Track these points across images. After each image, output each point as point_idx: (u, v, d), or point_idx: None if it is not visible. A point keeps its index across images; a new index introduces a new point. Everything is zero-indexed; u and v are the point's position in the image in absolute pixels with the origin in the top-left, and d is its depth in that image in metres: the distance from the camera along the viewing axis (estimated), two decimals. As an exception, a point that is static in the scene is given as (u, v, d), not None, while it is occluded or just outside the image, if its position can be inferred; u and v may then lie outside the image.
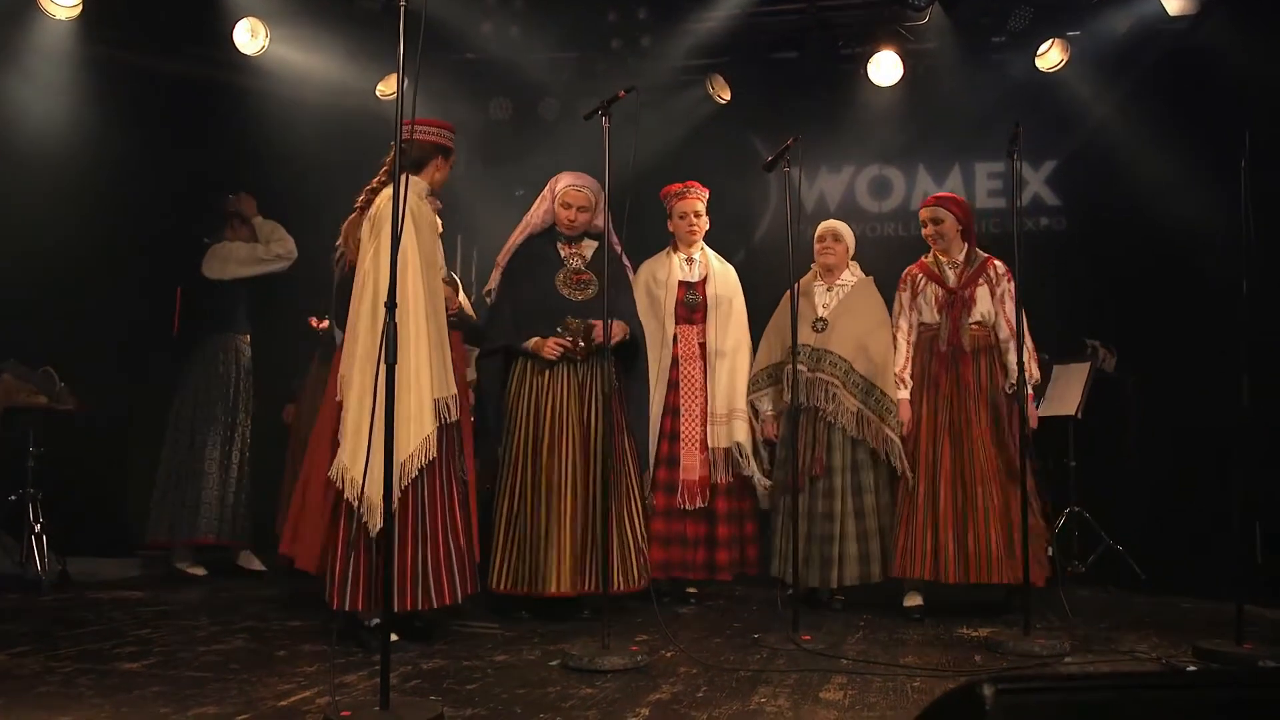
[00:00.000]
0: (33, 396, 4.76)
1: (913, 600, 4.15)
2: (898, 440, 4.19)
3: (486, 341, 4.16)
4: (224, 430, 5.08)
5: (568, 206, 4.07)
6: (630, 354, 4.14)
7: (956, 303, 4.19)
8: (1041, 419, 5.14)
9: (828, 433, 4.24)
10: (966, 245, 4.28)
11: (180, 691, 2.76)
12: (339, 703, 2.60)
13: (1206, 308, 4.81)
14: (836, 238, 4.42)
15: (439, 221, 4.05)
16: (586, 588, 3.86)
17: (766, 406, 4.42)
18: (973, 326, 4.17)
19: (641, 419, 4.21)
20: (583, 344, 3.94)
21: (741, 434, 4.41)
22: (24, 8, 4.99)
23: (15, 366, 4.79)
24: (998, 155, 5.68)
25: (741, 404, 4.44)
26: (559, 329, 3.96)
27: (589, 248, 4.16)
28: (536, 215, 4.15)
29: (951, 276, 4.25)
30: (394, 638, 3.20)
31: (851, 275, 4.47)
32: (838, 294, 4.40)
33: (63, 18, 5.01)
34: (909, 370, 4.26)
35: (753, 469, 4.40)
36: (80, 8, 5.00)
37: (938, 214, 4.28)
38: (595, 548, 3.80)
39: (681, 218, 4.52)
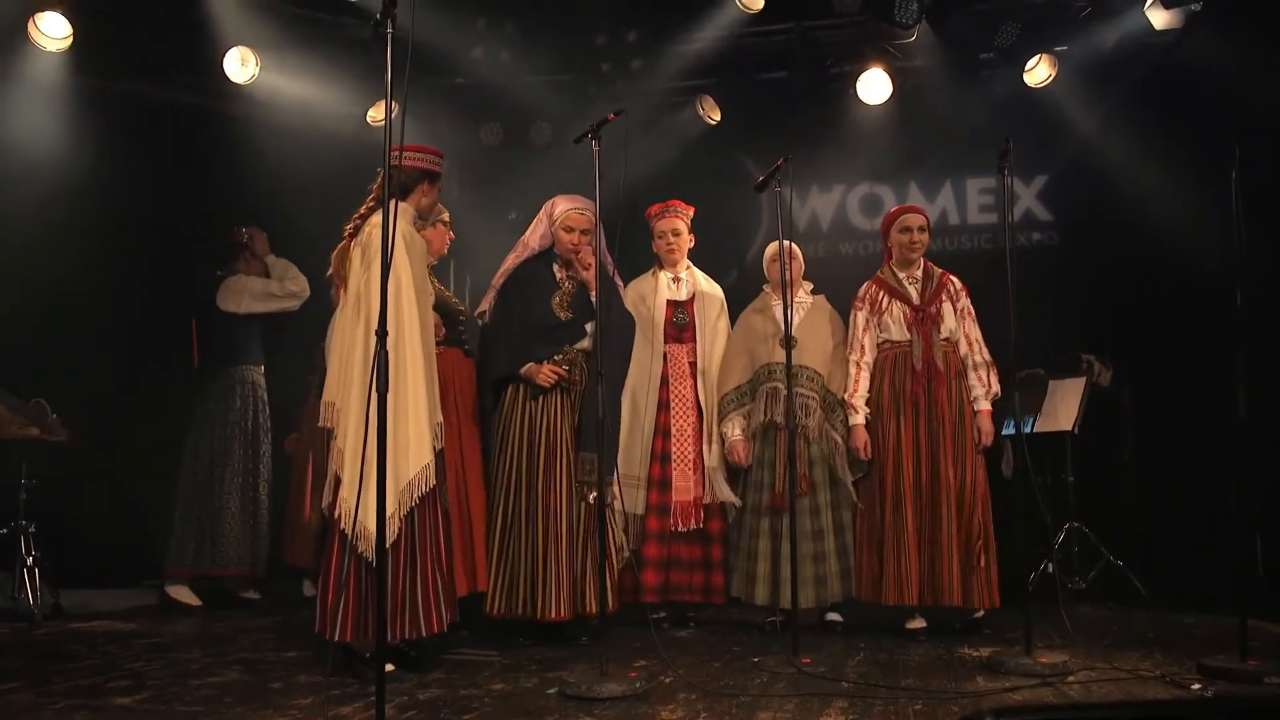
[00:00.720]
0: (25, 428, 4.74)
1: (916, 623, 4.12)
2: (844, 449, 4.21)
3: (486, 371, 4.13)
4: (245, 463, 5.09)
5: (570, 230, 4.07)
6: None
7: (926, 319, 4.15)
8: (1038, 435, 5.14)
9: (807, 449, 4.22)
10: (923, 262, 4.28)
11: (173, 727, 2.72)
12: (334, 736, 2.56)
13: (1200, 319, 4.81)
14: (791, 256, 4.29)
15: (445, 247, 4.07)
16: (583, 610, 3.87)
17: (735, 432, 4.32)
18: (943, 343, 4.15)
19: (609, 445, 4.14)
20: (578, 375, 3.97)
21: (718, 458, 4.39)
22: (15, 40, 5.01)
23: (7, 398, 4.78)
24: (988, 171, 5.66)
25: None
26: (557, 357, 3.98)
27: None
28: (534, 239, 4.15)
29: (914, 293, 4.21)
30: (389, 668, 3.18)
31: (805, 294, 4.46)
32: (799, 311, 4.38)
33: (53, 49, 5.02)
34: (859, 393, 4.19)
35: (727, 492, 4.35)
36: (71, 39, 5.01)
37: (922, 223, 4.27)
38: (579, 570, 3.87)
39: (660, 237, 4.52)
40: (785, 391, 3.97)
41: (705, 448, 4.38)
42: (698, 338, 4.49)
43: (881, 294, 4.27)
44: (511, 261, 4.16)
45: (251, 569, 5.10)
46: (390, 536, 3.16)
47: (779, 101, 5.97)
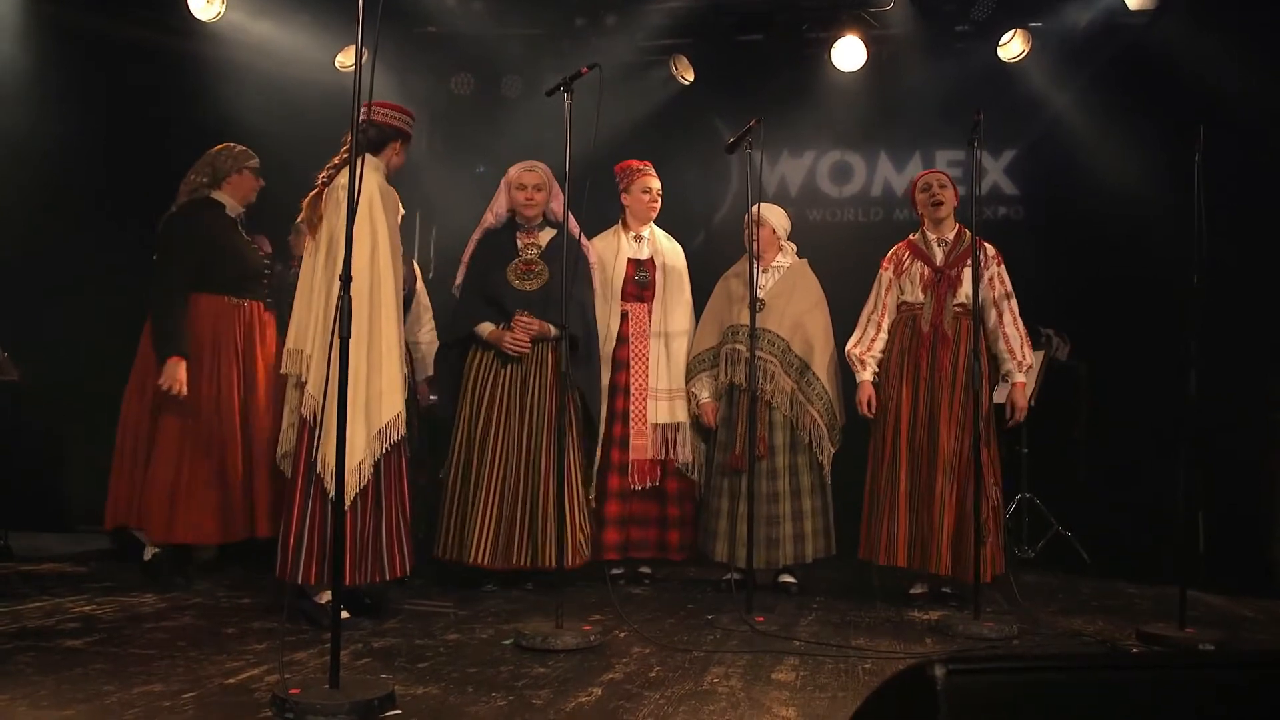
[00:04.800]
0: (-26, 367, 4.64)
1: (918, 589, 4.16)
2: (824, 426, 4.24)
3: (447, 333, 4.32)
4: None
5: (523, 188, 4.19)
6: (580, 344, 4.19)
7: (943, 282, 4.09)
8: (996, 406, 5.22)
9: (769, 412, 4.25)
10: (958, 225, 4.22)
11: (125, 670, 2.71)
12: (288, 680, 2.57)
13: (1157, 300, 4.90)
14: (761, 221, 4.26)
15: (254, 194, 4.18)
16: (517, 563, 3.98)
17: (704, 393, 4.38)
18: (955, 308, 4.07)
19: (594, 403, 4.27)
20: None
21: (683, 414, 4.43)
22: (-32, -34, 4.84)
23: (-44, 337, 4.67)
24: (958, 143, 5.71)
25: (683, 384, 4.45)
26: (522, 320, 4.10)
27: (546, 236, 4.21)
28: (497, 208, 4.27)
29: (939, 255, 4.16)
30: (344, 614, 3.19)
31: (786, 258, 4.46)
32: (773, 275, 4.39)
33: (8, -24, 4.86)
34: (873, 351, 4.18)
35: (687, 455, 4.40)
36: (27, -31, 4.85)
37: (942, 180, 4.20)
38: (528, 523, 3.99)
39: (645, 192, 4.51)
40: (747, 354, 3.98)
41: (652, 405, 4.41)
42: (657, 297, 4.50)
43: (906, 254, 4.24)
44: (478, 234, 4.29)
45: None
46: (361, 482, 3.19)
47: (753, 64, 5.95)
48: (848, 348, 4.26)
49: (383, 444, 3.25)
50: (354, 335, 3.11)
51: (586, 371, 4.22)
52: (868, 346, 4.21)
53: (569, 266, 3.43)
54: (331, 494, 3.13)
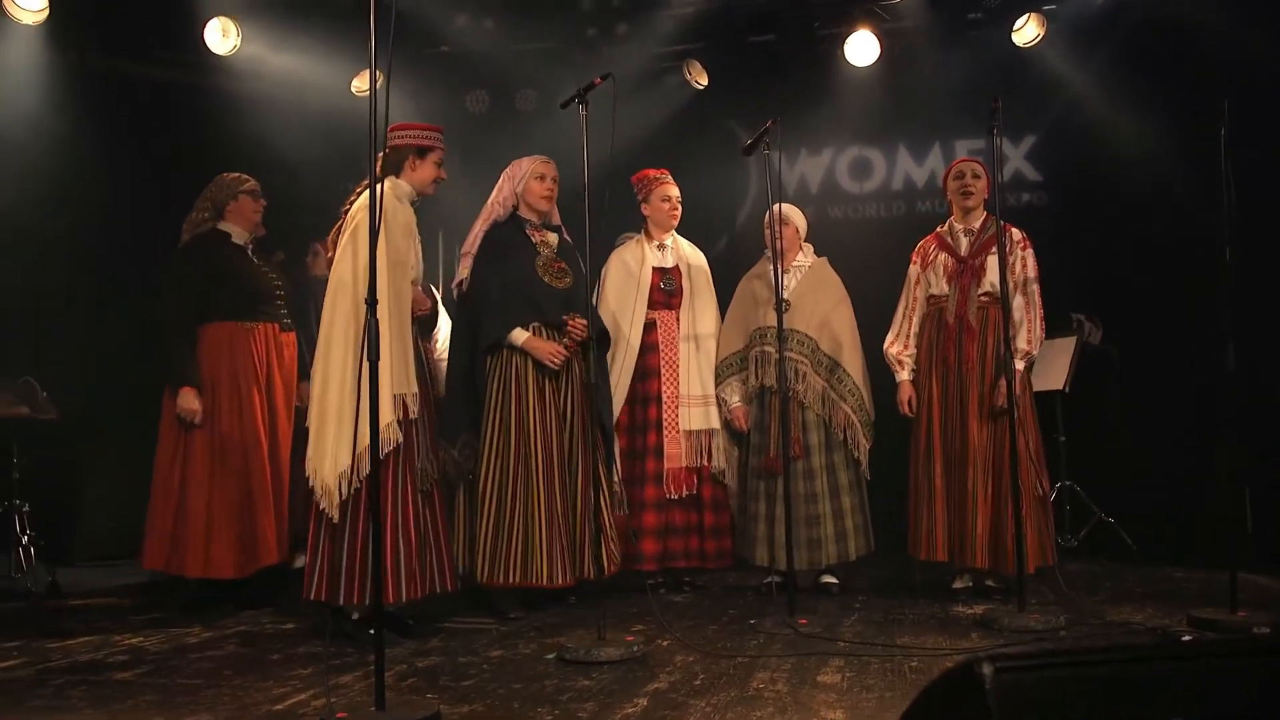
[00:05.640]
0: (14, 407, 4.72)
1: (961, 583, 4.13)
2: (858, 423, 4.20)
3: (466, 339, 3.99)
4: None
5: (541, 178, 4.05)
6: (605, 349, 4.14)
7: (966, 272, 4.03)
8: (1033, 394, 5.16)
9: (801, 413, 4.23)
10: (986, 214, 4.14)
11: (174, 700, 2.74)
12: (335, 704, 2.58)
13: (1188, 277, 4.83)
14: (785, 221, 4.25)
15: (258, 216, 4.15)
16: (583, 575, 3.87)
17: (734, 398, 4.35)
18: (981, 298, 4.00)
19: (608, 410, 4.17)
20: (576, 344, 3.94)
21: (716, 420, 4.39)
22: (-10, 13, 4.92)
23: (-5, 376, 4.75)
24: (978, 132, 5.67)
25: (714, 390, 4.42)
26: (557, 331, 3.92)
27: (552, 238, 4.12)
28: (499, 201, 4.09)
29: (965, 244, 4.10)
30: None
31: (806, 257, 4.44)
32: (795, 275, 4.37)
33: (29, 22, 4.93)
34: (909, 349, 4.14)
35: (722, 461, 4.36)
36: (47, 12, 4.92)
37: (976, 169, 4.13)
38: (571, 536, 3.86)
39: (664, 200, 4.49)
40: (776, 356, 3.96)
41: (685, 412, 4.38)
42: (684, 304, 4.48)
43: (932, 246, 4.18)
44: (480, 227, 4.07)
45: None
46: (343, 493, 3.23)
47: (767, 65, 5.94)
48: (886, 347, 4.22)
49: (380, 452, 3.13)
50: (343, 359, 3.28)
51: (602, 375, 4.16)
52: (904, 345, 4.18)
53: (590, 269, 3.42)
54: (322, 505, 3.25)
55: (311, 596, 3.33)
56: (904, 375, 4.15)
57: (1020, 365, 3.92)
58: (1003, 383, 3.73)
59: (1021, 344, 3.96)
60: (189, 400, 3.97)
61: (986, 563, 3.90)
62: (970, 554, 3.91)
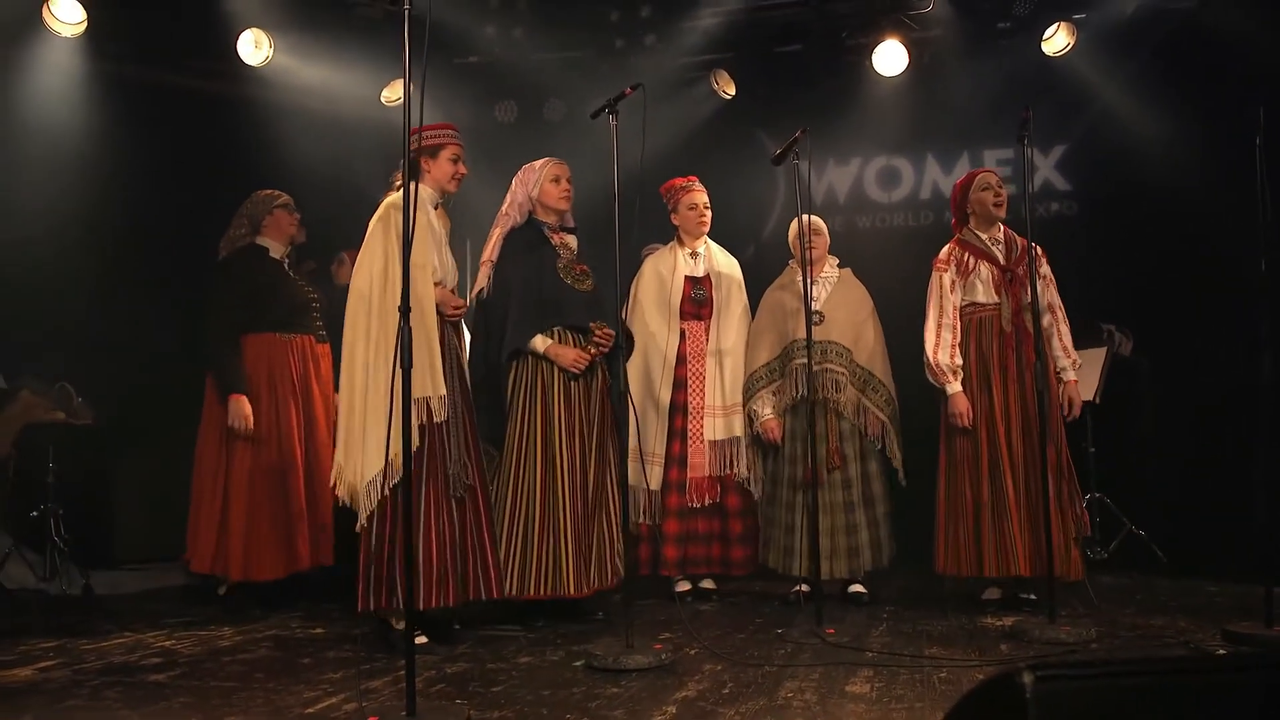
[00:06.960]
0: (50, 412, 4.80)
1: (991, 594, 4.12)
2: (894, 430, 4.19)
3: (490, 346, 3.93)
4: None
5: (557, 180, 3.99)
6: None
7: (1015, 281, 3.99)
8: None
9: (838, 422, 4.22)
10: (1002, 225, 4.15)
11: (207, 702, 2.77)
12: (366, 709, 2.60)
13: (1220, 288, 4.78)
14: (817, 232, 4.26)
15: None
16: (593, 588, 3.84)
17: (766, 409, 4.30)
18: (1026, 307, 3.96)
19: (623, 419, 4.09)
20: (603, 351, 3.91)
21: (739, 429, 4.37)
22: (30, 25, 5.01)
23: (32, 383, 4.83)
24: (1007, 142, 5.65)
25: (741, 400, 4.40)
26: (580, 334, 3.89)
27: (572, 240, 4.08)
28: (514, 206, 4.03)
29: (1000, 254, 4.08)
30: (421, 639, 3.24)
31: (832, 268, 4.43)
32: (825, 286, 4.36)
33: (68, 34, 5.02)
34: (957, 357, 4.01)
35: (744, 470, 4.34)
36: (85, 25, 5.01)
37: (999, 179, 4.16)
38: (594, 546, 3.84)
39: (691, 209, 4.50)
40: (815, 367, 3.96)
41: (709, 422, 4.38)
42: (714, 314, 4.49)
43: (967, 255, 4.10)
44: (498, 234, 4.02)
45: None
46: (374, 501, 3.24)
47: (794, 75, 5.93)
48: (933, 357, 4.05)
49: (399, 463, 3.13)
50: (368, 365, 3.31)
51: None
52: (951, 354, 4.03)
53: (619, 279, 3.40)
54: (355, 508, 3.26)
55: (361, 608, 3.34)
56: (957, 386, 4.01)
57: (1074, 375, 4.01)
58: (1075, 394, 3.99)
59: (1072, 354, 4.03)
60: (242, 406, 4.09)
61: (1029, 571, 3.87)
62: (1012, 563, 3.87)
